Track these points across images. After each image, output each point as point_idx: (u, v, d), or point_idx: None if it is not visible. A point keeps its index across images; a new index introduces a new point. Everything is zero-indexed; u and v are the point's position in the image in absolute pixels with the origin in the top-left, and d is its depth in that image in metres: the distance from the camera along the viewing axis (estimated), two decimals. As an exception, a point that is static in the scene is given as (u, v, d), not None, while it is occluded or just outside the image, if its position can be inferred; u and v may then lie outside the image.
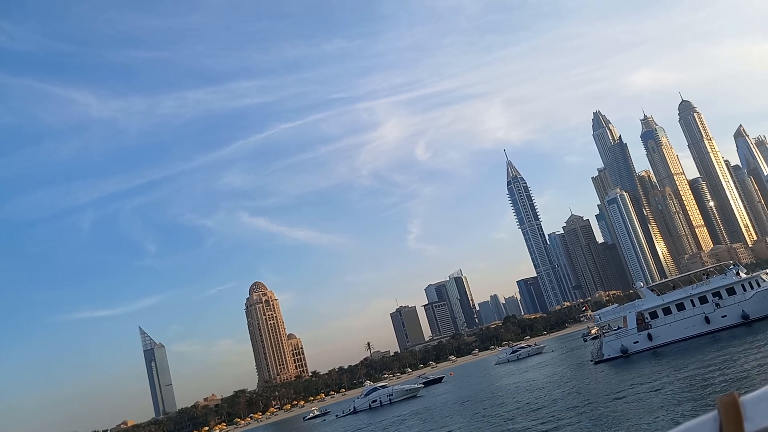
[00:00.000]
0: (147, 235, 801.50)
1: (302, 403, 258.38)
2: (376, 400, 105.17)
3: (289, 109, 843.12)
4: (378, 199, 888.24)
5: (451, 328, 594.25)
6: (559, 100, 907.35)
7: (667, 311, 60.83)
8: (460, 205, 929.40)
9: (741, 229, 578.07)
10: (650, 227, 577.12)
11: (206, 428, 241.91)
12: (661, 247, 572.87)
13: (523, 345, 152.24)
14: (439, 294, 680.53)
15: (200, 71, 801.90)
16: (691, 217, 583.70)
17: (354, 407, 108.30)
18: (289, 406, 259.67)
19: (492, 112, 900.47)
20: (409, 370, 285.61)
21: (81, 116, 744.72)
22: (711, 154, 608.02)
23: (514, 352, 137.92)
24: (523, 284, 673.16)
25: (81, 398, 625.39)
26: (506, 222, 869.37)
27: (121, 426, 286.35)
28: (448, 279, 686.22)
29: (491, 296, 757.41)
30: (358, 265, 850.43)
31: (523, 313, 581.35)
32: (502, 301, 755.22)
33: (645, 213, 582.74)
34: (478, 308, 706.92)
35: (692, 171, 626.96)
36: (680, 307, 60.39)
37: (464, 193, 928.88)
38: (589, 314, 74.33)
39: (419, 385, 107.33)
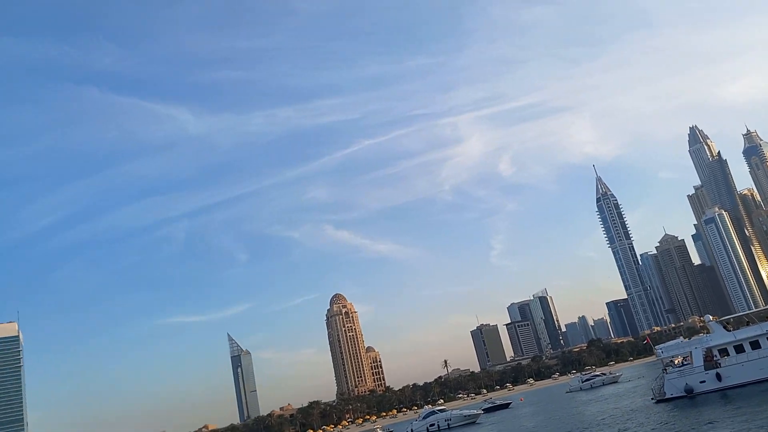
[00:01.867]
0: (237, 245, 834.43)
1: (374, 418, 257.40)
2: (434, 424, 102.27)
3: (372, 124, 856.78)
4: (459, 213, 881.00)
5: (535, 349, 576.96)
6: (650, 112, 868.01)
7: (739, 349, 54.80)
8: (546, 222, 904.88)
9: None
10: (753, 249, 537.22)
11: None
12: (765, 271, 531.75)
13: (597, 373, 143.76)
14: (522, 313, 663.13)
15: (287, 89, 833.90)
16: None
17: (412, 430, 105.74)
18: (360, 420, 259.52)
19: (579, 126, 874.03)
20: (485, 391, 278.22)
21: (178, 132, 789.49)
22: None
23: (587, 380, 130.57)
24: (612, 306, 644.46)
25: (170, 401, 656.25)
26: (595, 240, 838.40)
27: (203, 429, 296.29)
28: (531, 298, 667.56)
29: (579, 317, 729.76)
30: (439, 280, 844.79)
31: (612, 337, 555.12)
32: (591, 323, 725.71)
33: (747, 234, 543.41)
34: (564, 329, 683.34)
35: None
36: (755, 345, 54.20)
37: (550, 208, 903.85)
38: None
39: (479, 412, 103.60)
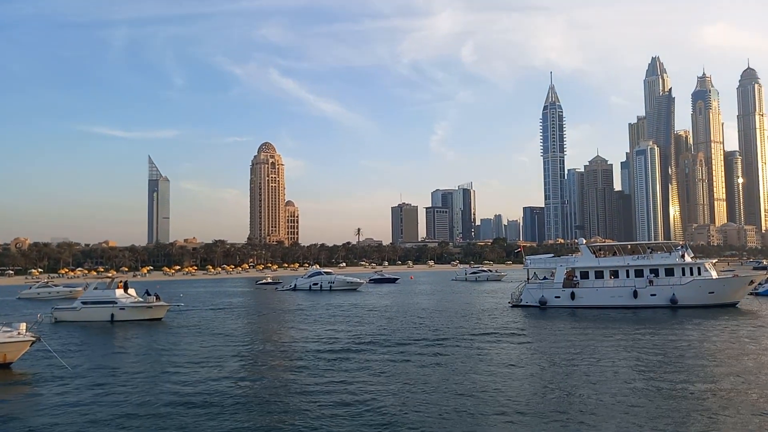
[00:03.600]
0: (176, 67, 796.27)
1: (275, 267, 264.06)
2: (317, 284, 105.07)
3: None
4: (412, 91, 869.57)
5: (447, 236, 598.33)
6: (622, 34, 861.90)
7: (599, 275, 57.16)
8: (492, 118, 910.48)
9: (761, 212, 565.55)
10: (670, 188, 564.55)
11: (177, 267, 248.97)
12: (674, 210, 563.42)
13: (484, 269, 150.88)
14: (444, 200, 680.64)
15: None
16: (714, 189, 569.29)
17: (295, 285, 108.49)
18: (261, 267, 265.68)
19: (550, 30, 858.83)
20: (386, 263, 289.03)
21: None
22: (757, 130, 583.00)
23: (473, 273, 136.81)
24: (528, 211, 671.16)
25: (77, 210, 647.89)
26: (531, 146, 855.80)
27: (103, 244, 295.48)
28: (456, 188, 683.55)
29: (495, 215, 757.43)
30: (376, 152, 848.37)
31: (520, 239, 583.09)
32: (505, 222, 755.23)
33: (670, 172, 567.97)
34: (479, 223, 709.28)
35: (733, 143, 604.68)
36: (614, 274, 56.65)
37: (499, 107, 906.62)
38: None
39: (361, 281, 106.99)
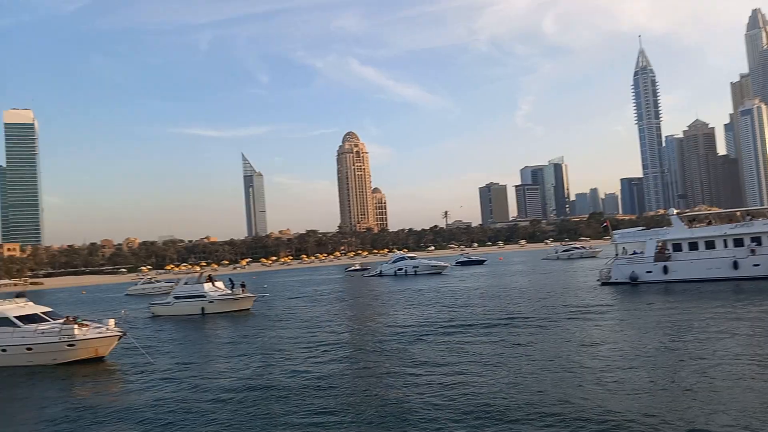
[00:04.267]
0: (259, 65, 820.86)
1: (365, 253, 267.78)
2: (402, 269, 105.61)
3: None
4: (492, 68, 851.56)
5: (540, 213, 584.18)
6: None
7: (693, 246, 53.43)
8: (580, 89, 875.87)
9: None
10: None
11: (274, 257, 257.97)
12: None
13: (577, 246, 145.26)
14: (534, 177, 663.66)
15: None
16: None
17: (381, 271, 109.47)
18: (352, 254, 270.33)
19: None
20: (476, 245, 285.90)
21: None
22: None
23: (566, 251, 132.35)
24: (626, 183, 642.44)
25: (182, 208, 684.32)
26: (625, 115, 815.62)
27: (204, 239, 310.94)
28: (547, 163, 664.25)
29: (590, 189, 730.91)
30: (460, 132, 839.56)
31: (619, 213, 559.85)
32: (602, 196, 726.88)
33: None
34: (573, 199, 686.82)
35: None
36: (710, 245, 52.76)
37: (587, 76, 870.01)
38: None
39: (446, 264, 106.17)
